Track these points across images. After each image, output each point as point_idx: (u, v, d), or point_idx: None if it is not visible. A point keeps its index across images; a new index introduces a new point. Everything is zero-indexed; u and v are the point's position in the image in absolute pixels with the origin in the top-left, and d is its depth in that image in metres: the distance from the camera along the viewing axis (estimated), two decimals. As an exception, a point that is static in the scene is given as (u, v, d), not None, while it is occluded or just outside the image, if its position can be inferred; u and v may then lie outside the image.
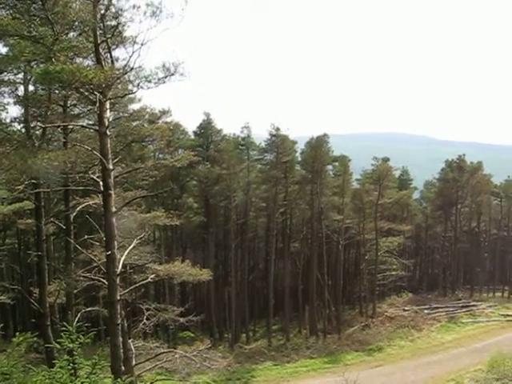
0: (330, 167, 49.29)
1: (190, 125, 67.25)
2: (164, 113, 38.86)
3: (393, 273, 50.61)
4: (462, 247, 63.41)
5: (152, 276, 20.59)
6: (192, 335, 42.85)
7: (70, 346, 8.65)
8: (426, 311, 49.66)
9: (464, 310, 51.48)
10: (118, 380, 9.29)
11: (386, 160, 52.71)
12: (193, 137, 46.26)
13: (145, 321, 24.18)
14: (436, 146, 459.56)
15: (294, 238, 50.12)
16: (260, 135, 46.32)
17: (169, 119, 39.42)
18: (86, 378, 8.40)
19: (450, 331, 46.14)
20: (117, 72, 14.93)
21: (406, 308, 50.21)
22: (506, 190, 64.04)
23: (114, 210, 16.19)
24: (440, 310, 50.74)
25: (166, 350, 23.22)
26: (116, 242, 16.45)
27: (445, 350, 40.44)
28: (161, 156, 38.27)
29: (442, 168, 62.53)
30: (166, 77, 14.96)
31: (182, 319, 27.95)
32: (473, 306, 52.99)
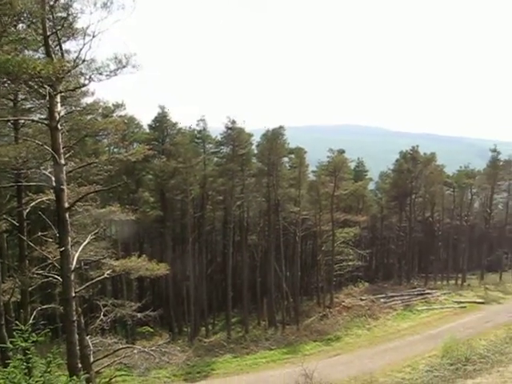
0: (286, 159, 49.58)
1: (145, 118, 66.57)
2: (118, 106, 38.47)
3: (349, 263, 51.25)
4: (416, 237, 65.00)
5: (108, 272, 20.41)
6: (151, 330, 42.76)
7: (23, 345, 8.58)
8: (382, 300, 50.52)
9: (419, 297, 52.64)
10: (74, 377, 9.26)
11: (341, 152, 53.50)
12: (148, 130, 45.82)
13: (102, 317, 24.06)
14: (391, 137, 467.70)
15: (251, 231, 50.33)
16: (216, 128, 46.22)
17: (123, 113, 38.97)
18: (41, 376, 8.37)
19: (406, 319, 47.05)
20: (67, 65, 14.70)
21: (363, 297, 50.97)
22: (458, 180, 65.69)
23: (66, 205, 15.99)
24: (396, 298, 51.72)
25: (124, 346, 23.12)
26: (70, 238, 16.29)
27: (401, 338, 41.24)
28: (115, 150, 37.57)
29: (396, 159, 63.67)
30: (117, 69, 14.88)
31: (139, 314, 27.79)
32: (427, 293, 54.21)
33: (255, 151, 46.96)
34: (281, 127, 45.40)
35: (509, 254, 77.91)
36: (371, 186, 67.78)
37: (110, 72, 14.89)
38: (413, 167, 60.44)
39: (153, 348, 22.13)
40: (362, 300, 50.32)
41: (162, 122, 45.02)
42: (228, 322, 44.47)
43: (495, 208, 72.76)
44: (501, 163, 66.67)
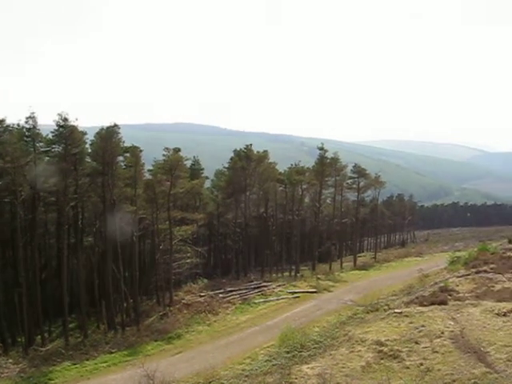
0: (121, 158, 49.37)
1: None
2: None
3: (188, 261, 52.60)
4: (252, 232, 68.23)
5: None
6: (-21, 344, 40.55)
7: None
8: (221, 295, 52.02)
9: (256, 290, 54.48)
10: None
11: (177, 150, 54.41)
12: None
13: None
14: (226, 136, 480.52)
15: (87, 232, 49.82)
16: (50, 126, 44.61)
17: None
18: None
19: (245, 312, 48.32)
20: None
21: (202, 294, 52.21)
22: (289, 176, 69.66)
23: None
24: (234, 292, 53.41)
25: None
26: None
27: (240, 331, 42.24)
28: None
29: (231, 157, 66.00)
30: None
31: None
32: (264, 286, 56.18)
33: (89, 150, 46.34)
34: (115, 125, 45.26)
35: (337, 245, 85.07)
36: (207, 183, 69.81)
37: None
38: (247, 165, 63.23)
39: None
40: (201, 296, 51.43)
41: (-15, 119, 42.75)
42: (65, 328, 43.60)
43: (324, 203, 78.65)
44: (328, 160, 71.56)
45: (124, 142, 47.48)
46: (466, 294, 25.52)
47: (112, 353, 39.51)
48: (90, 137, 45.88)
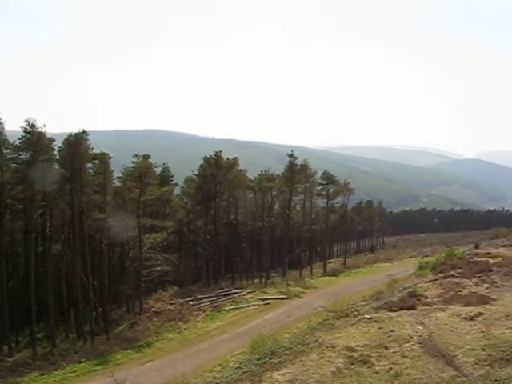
0: (90, 165, 49.07)
1: None
2: None
3: (158, 268, 52.50)
4: (222, 239, 68.38)
5: None
6: None
7: None
8: (191, 303, 51.75)
9: (227, 298, 54.40)
10: None
11: (146, 157, 54.15)
12: None
13: None
14: (195, 143, 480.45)
15: (55, 240, 49.41)
16: (17, 132, 43.95)
17: None
18: None
19: (215, 319, 48.10)
20: None
21: (172, 301, 52.01)
22: (259, 183, 70.14)
23: None
24: (205, 300, 53.21)
25: None
26: None
27: (211, 338, 41.90)
28: None
29: (200, 164, 65.87)
30: None
31: None
32: (234, 293, 56.04)
33: (57, 157, 46.00)
34: (84, 132, 45.19)
35: (307, 251, 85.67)
36: (177, 190, 69.75)
37: None
38: (216, 172, 63.27)
39: None
40: (171, 304, 51.25)
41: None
42: (33, 337, 43.09)
43: (293, 209, 79.24)
44: (297, 167, 72.07)
45: (93, 148, 47.41)
46: (434, 299, 25.96)
47: (81, 362, 39.03)
48: (58, 143, 45.61)
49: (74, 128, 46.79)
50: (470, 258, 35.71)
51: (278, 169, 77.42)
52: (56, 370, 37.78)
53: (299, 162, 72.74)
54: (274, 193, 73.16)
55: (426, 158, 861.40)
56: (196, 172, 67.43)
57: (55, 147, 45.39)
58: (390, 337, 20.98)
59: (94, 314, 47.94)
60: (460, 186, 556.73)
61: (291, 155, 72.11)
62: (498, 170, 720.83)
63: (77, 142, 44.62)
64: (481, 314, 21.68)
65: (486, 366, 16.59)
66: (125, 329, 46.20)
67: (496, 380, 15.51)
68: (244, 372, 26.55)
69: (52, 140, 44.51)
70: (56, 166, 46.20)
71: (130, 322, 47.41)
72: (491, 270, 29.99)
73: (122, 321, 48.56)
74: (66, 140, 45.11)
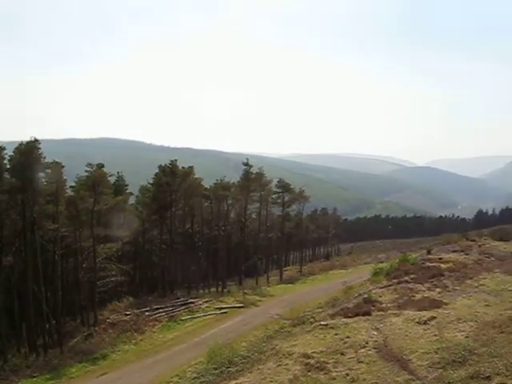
0: (42, 174, 48.21)
1: None
2: None
3: (112, 279, 52.01)
4: (178, 248, 67.98)
5: None
6: None
7: None
8: (147, 313, 51.20)
9: (183, 307, 53.99)
10: None
11: (100, 166, 53.62)
12: None
13: None
14: (152, 151, 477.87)
15: (5, 251, 48.24)
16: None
17: None
18: None
19: (171, 329, 47.77)
20: None
21: (128, 312, 51.29)
22: (215, 192, 70.14)
23: None
24: (161, 310, 52.82)
25: None
26: None
27: (168, 348, 41.67)
28: None
29: (156, 173, 65.55)
30: None
31: None
32: (190, 303, 55.61)
33: (8, 166, 45.09)
34: (36, 140, 44.47)
35: (263, 259, 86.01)
36: (132, 200, 69.10)
37: None
38: (172, 181, 63.03)
39: None
40: (127, 315, 50.58)
41: None
42: (-18, 353, 42.08)
43: (249, 217, 79.67)
44: (253, 176, 72.81)
45: (45, 157, 46.46)
46: (389, 304, 26.51)
47: (34, 377, 38.32)
48: (8, 152, 44.69)
49: (25, 136, 45.99)
50: (423, 263, 36.62)
51: (234, 177, 77.58)
52: (8, 386, 37.01)
53: (254, 170, 73.41)
54: (230, 201, 73.29)
55: (379, 166, 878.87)
56: (151, 181, 66.89)
57: (6, 156, 44.44)
58: (345, 343, 21.35)
59: (47, 326, 47.09)
60: (412, 192, 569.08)
61: (246, 164, 72.61)
62: (448, 178, 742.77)
63: (28, 151, 43.88)
64: (433, 317, 22.39)
65: (440, 368, 17.18)
66: (79, 341, 45.42)
67: (449, 382, 16.10)
68: (201, 382, 26.51)
69: (2, 148, 43.73)
70: (7, 175, 45.22)
71: (85, 334, 46.66)
72: (443, 275, 30.93)
73: (77, 333, 47.69)
74: (17, 148, 44.31)
